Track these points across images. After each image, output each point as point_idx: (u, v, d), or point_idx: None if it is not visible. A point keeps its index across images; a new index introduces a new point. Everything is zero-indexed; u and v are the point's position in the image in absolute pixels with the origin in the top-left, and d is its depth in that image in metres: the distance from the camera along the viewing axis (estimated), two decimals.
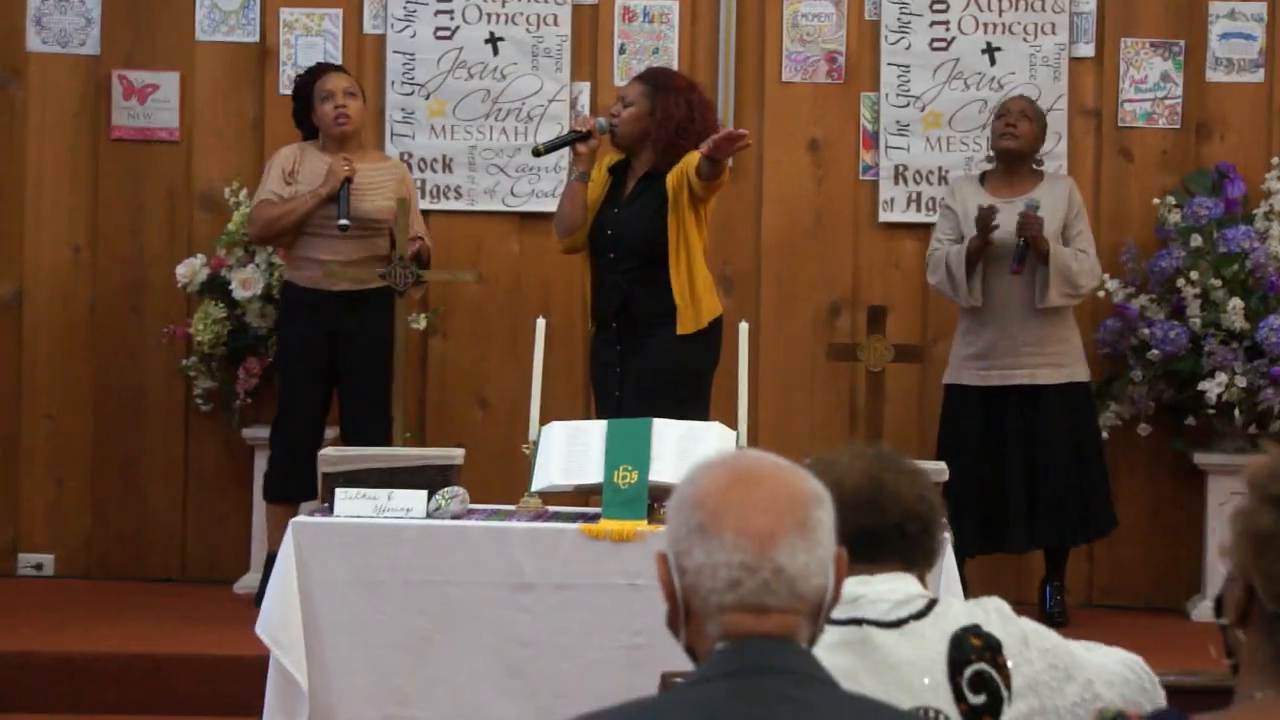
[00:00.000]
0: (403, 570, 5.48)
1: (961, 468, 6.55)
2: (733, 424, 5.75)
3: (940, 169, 7.71)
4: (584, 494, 5.87)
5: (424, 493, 5.57)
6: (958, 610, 3.07)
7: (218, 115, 7.99)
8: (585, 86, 7.93)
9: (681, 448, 5.51)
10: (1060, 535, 7.31)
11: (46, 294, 7.99)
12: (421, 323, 7.76)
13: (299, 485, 7.11)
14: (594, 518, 5.54)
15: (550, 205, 7.63)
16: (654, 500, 5.46)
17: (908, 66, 7.86)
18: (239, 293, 7.58)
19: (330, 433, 7.27)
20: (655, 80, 6.81)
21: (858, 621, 3.02)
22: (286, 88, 7.85)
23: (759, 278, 7.90)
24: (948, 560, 5.07)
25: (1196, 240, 7.51)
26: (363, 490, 5.57)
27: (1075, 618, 7.34)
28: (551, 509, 5.72)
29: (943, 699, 2.98)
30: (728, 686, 2.28)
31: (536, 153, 6.83)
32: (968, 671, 3.00)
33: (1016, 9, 7.84)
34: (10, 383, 7.99)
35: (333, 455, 5.76)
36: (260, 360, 7.65)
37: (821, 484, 2.92)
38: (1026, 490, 7.17)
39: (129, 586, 7.77)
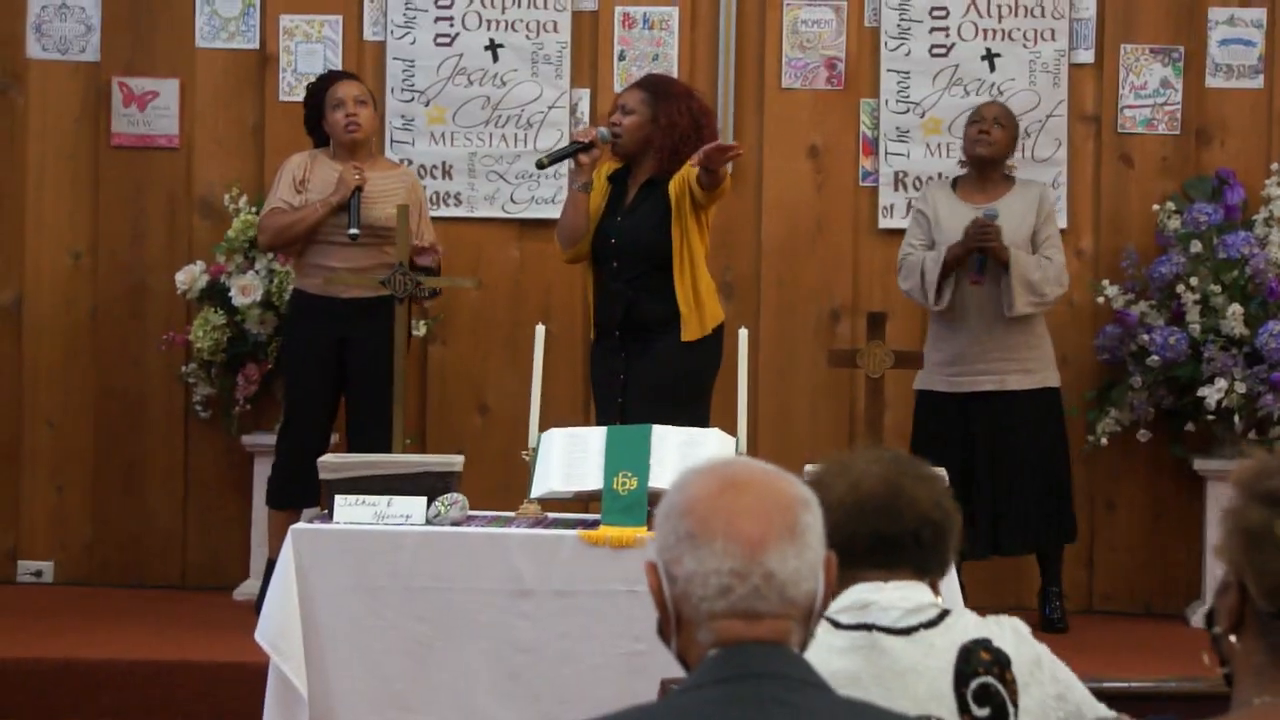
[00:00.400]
0: (403, 577, 5.48)
1: None
2: (732, 430, 5.75)
3: (940, 175, 7.70)
4: (584, 500, 5.87)
5: (424, 499, 5.57)
6: (970, 623, 3.06)
7: (218, 122, 8.00)
8: (585, 93, 7.93)
9: (681, 454, 5.51)
10: (1025, 542, 7.29)
11: (47, 300, 8.00)
12: (422, 329, 7.76)
13: (303, 491, 7.11)
14: (593, 524, 5.54)
15: (550, 212, 7.64)
16: (653, 507, 5.44)
17: (907, 73, 7.86)
18: (239, 299, 7.58)
19: (334, 439, 7.28)
20: (655, 87, 6.82)
21: (867, 627, 3.01)
22: (286, 95, 7.86)
23: (759, 284, 7.91)
24: None
25: (1196, 246, 7.51)
26: (362, 497, 5.58)
27: (1075, 624, 7.34)
28: (551, 515, 5.72)
29: (946, 709, 2.97)
30: (721, 692, 2.28)
31: (540, 165, 6.84)
32: (974, 684, 2.99)
33: (1016, 15, 7.85)
34: (10, 389, 7.99)
35: (332, 462, 5.77)
36: (260, 367, 7.65)
37: (833, 489, 2.93)
38: (992, 497, 7.15)
39: (129, 593, 7.77)
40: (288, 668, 5.43)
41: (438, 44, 7.95)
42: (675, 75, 7.56)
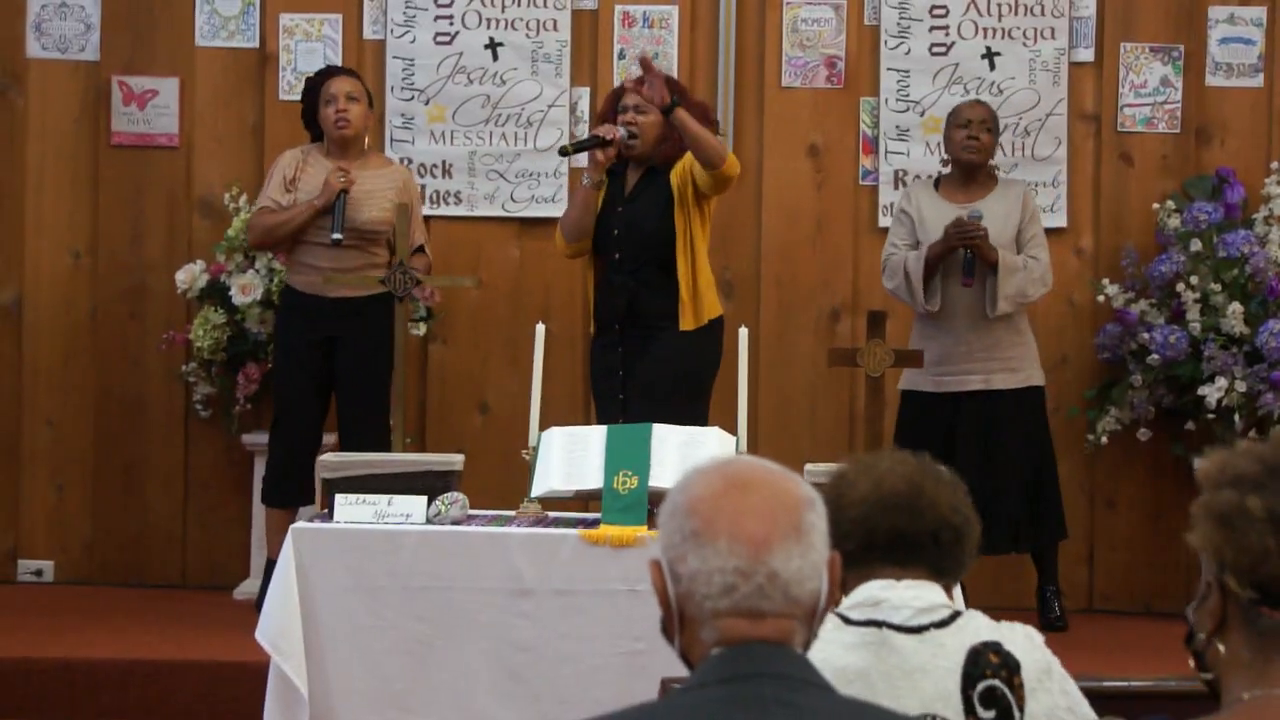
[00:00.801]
0: (403, 576, 5.48)
1: None
2: (732, 429, 5.75)
3: (940, 174, 7.70)
4: (584, 499, 5.87)
5: (424, 498, 5.57)
6: (982, 625, 3.06)
7: (217, 121, 7.99)
8: (585, 92, 7.93)
9: (681, 454, 5.51)
10: (1011, 542, 7.28)
11: (47, 300, 7.99)
12: (421, 329, 7.76)
13: (296, 490, 7.13)
14: (594, 523, 5.54)
15: (550, 211, 7.64)
16: (654, 506, 5.46)
17: (907, 71, 7.86)
18: (238, 298, 7.58)
19: (330, 438, 7.27)
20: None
21: (878, 624, 3.01)
22: (286, 93, 7.86)
23: (759, 283, 7.90)
24: None
25: (1196, 245, 7.51)
26: (363, 496, 5.58)
27: (1075, 623, 7.34)
28: (551, 514, 5.72)
29: (952, 709, 2.97)
30: (723, 692, 2.28)
31: (564, 152, 6.87)
32: (980, 686, 2.98)
33: (1016, 14, 7.84)
34: (10, 389, 7.99)
35: (333, 461, 5.77)
36: (260, 366, 7.65)
37: (857, 486, 2.95)
38: (979, 497, 7.13)
39: (129, 593, 7.77)
40: (288, 667, 5.43)
41: (437, 43, 7.95)
42: (675, 74, 7.56)
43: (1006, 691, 2.99)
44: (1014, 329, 7.24)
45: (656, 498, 5.43)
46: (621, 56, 7.93)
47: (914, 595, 3.03)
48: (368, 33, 7.98)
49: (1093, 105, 7.88)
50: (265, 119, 7.94)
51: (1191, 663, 2.55)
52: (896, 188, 7.83)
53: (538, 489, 5.66)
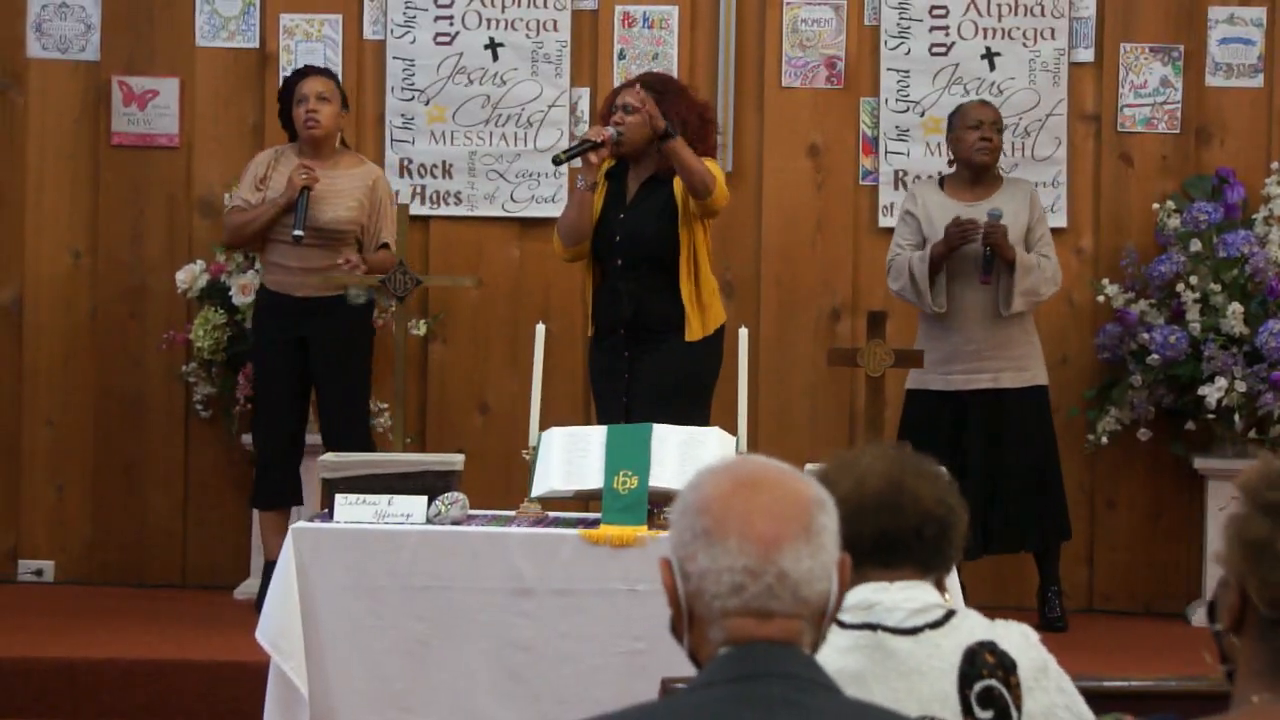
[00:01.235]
0: (403, 576, 5.48)
1: None
2: (733, 429, 5.75)
3: (940, 174, 7.70)
4: (584, 499, 5.87)
5: (424, 498, 5.57)
6: (976, 625, 3.05)
7: (218, 121, 7.99)
8: (585, 92, 7.93)
9: (682, 454, 5.51)
10: (1014, 541, 7.28)
11: (47, 300, 7.99)
12: (422, 329, 7.76)
13: (283, 491, 7.16)
14: (594, 523, 5.54)
15: (550, 211, 7.64)
16: (654, 506, 5.46)
17: (907, 72, 7.86)
18: (238, 298, 7.58)
19: (313, 439, 7.29)
20: (656, 85, 6.81)
21: (872, 627, 3.00)
22: None
23: (759, 283, 7.90)
24: None
25: (1196, 245, 7.51)
26: (363, 496, 5.58)
27: (1075, 623, 7.34)
28: (552, 514, 5.72)
29: (950, 710, 2.97)
30: (730, 691, 2.28)
31: (557, 162, 6.84)
32: (977, 686, 2.98)
33: (1016, 14, 7.84)
34: (10, 389, 7.99)
35: (333, 461, 5.77)
36: None
37: (838, 486, 2.93)
38: (985, 496, 7.14)
39: (129, 592, 7.77)
40: (288, 667, 5.43)
41: (437, 43, 7.95)
42: (675, 74, 7.56)
43: (1004, 691, 2.98)
44: (1021, 327, 7.25)
45: (656, 498, 5.43)
46: (621, 56, 7.93)
47: (906, 597, 3.02)
48: (368, 33, 7.98)
49: (1093, 105, 7.88)
50: (265, 119, 7.94)
51: (1208, 657, 2.54)
52: (896, 188, 7.83)
53: (538, 489, 5.66)
